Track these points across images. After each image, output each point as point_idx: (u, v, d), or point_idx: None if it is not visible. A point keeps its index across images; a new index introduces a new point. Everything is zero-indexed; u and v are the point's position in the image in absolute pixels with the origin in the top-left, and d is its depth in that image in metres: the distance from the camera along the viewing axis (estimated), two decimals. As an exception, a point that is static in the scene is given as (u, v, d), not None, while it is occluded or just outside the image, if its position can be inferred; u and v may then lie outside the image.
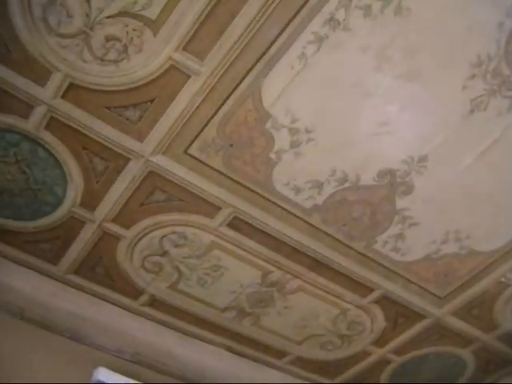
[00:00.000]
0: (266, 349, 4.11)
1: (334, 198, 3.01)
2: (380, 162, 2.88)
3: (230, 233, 3.20)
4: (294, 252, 3.32)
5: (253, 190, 2.96)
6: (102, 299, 3.64)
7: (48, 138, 2.77)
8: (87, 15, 2.35)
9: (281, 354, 4.17)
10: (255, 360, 4.20)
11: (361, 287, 3.57)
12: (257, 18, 2.32)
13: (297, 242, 3.25)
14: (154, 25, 2.36)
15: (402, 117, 2.70)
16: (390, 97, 2.62)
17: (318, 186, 2.96)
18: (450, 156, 2.88)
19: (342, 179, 2.93)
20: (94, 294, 3.61)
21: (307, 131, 2.73)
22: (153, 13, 2.33)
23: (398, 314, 3.80)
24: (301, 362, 4.25)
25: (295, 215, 3.10)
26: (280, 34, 2.37)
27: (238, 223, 3.14)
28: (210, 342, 4.02)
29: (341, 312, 3.77)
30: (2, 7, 2.31)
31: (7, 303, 3.40)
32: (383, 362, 4.28)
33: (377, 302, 3.69)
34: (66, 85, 2.55)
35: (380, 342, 4.06)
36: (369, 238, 3.23)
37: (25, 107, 2.65)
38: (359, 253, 3.31)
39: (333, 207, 3.05)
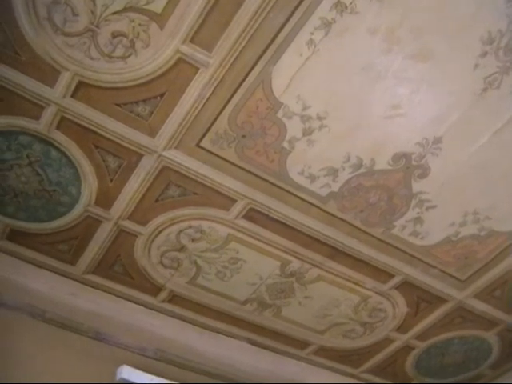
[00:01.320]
0: (289, 340, 4.10)
1: (350, 184, 2.98)
2: (394, 146, 2.85)
3: (247, 224, 3.19)
4: (312, 241, 3.30)
5: (267, 180, 2.95)
6: (122, 297, 3.65)
7: (60, 137, 2.78)
8: (92, 12, 2.34)
9: (303, 344, 4.16)
10: (278, 352, 4.19)
11: (381, 273, 3.54)
12: (263, 6, 2.30)
13: (314, 230, 3.23)
14: (160, 18, 2.35)
15: (415, 98, 2.66)
16: (402, 79, 2.58)
17: (333, 172, 2.94)
18: (465, 136, 2.83)
19: (357, 165, 2.90)
20: (114, 293, 3.62)
21: (319, 118, 2.70)
22: (158, 6, 2.32)
23: (420, 298, 3.77)
24: (324, 351, 4.23)
25: (311, 204, 3.08)
26: (287, 21, 2.35)
27: (254, 214, 3.13)
28: (231, 335, 4.02)
29: (362, 299, 3.75)
30: (8, 10, 2.32)
31: (28, 305, 3.41)
32: (407, 349, 4.25)
33: (397, 287, 3.66)
34: (75, 84, 2.55)
35: (403, 328, 4.03)
36: (387, 223, 3.20)
37: (35, 108, 2.65)
38: (378, 239, 3.29)
39: (349, 194, 3.03)
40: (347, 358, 4.29)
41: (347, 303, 3.77)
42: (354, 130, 2.77)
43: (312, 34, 2.40)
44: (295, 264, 3.47)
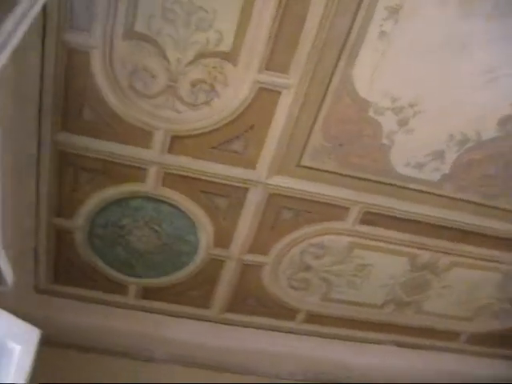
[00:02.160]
0: (436, 333, 3.94)
1: (461, 161, 2.85)
2: (496, 111, 2.68)
3: (365, 229, 3.14)
4: (436, 229, 3.18)
5: (376, 181, 2.89)
6: (262, 328, 3.68)
7: (167, 193, 2.88)
8: (168, 70, 2.43)
9: (453, 335, 3.98)
10: (428, 348, 4.03)
11: (519, 244, 3.35)
12: (326, 14, 2.28)
13: (435, 217, 3.11)
14: (232, 56, 2.40)
15: (505, 57, 2.50)
16: (486, 41, 2.43)
17: (440, 155, 2.82)
18: None
19: (463, 141, 2.77)
20: (253, 326, 3.66)
21: (411, 105, 2.62)
22: (227, 45, 2.37)
23: None
24: (477, 338, 4.02)
25: (425, 192, 2.97)
26: (353, 21, 2.31)
27: (370, 217, 3.07)
28: (377, 342, 3.93)
29: (504, 276, 3.54)
30: (95, 90, 2.47)
31: (177, 355, 3.56)
32: None
33: (542, 252, 3.43)
34: (168, 140, 2.66)
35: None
36: (511, 190, 3.03)
37: (139, 172, 2.79)
38: (505, 210, 3.10)
39: (462, 172, 2.89)
40: (505, 339, 4.06)
41: (489, 283, 3.58)
42: (450, 108, 2.65)
43: (382, 26, 2.34)
44: (424, 256, 3.35)
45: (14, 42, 1.27)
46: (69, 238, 3.11)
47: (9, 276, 2.74)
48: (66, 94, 2.50)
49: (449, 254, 3.34)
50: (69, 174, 2.82)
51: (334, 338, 3.83)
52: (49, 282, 3.36)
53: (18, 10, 1.26)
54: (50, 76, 2.43)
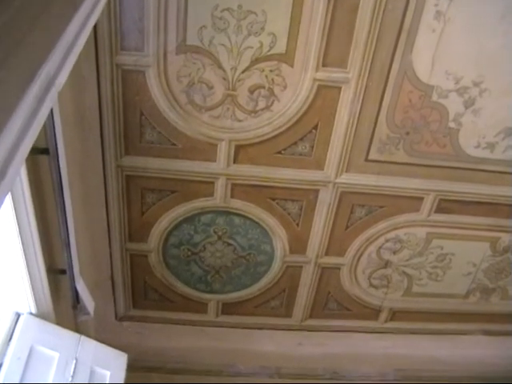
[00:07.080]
0: (527, 318, 3.79)
1: (535, 135, 2.74)
2: None
3: (442, 217, 3.04)
4: (514, 209, 3.06)
5: (447, 167, 2.80)
6: (346, 331, 3.62)
7: (237, 204, 2.88)
8: (225, 79, 2.44)
9: (545, 318, 3.82)
10: (519, 334, 3.89)
11: None
12: (378, 2, 2.24)
13: (512, 197, 3.00)
14: (287, 57, 2.39)
15: None
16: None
17: (511, 132, 2.72)
18: None
19: (535, 114, 2.67)
20: (337, 329, 3.60)
21: (476, 84, 2.54)
22: (281, 47, 2.36)
23: None
24: None
25: (500, 172, 2.87)
26: (407, 4, 2.27)
27: (445, 205, 2.98)
28: (464, 332, 3.79)
29: None
30: (155, 110, 2.48)
31: (261, 367, 3.53)
32: None
33: None
34: (233, 150, 2.66)
35: None
36: None
37: (207, 186, 2.80)
38: None
39: (538, 146, 2.78)
40: None
41: None
42: (516, 81, 2.56)
43: (436, 5, 2.29)
44: (505, 238, 3.23)
45: (71, 59, 1.26)
46: (143, 262, 3.15)
47: (90, 305, 2.78)
48: (125, 116, 2.54)
49: (532, 233, 3.20)
50: (137, 197, 2.85)
51: (421, 333, 3.72)
52: (128, 308, 3.41)
53: (71, 30, 1.25)
54: (108, 100, 2.47)
